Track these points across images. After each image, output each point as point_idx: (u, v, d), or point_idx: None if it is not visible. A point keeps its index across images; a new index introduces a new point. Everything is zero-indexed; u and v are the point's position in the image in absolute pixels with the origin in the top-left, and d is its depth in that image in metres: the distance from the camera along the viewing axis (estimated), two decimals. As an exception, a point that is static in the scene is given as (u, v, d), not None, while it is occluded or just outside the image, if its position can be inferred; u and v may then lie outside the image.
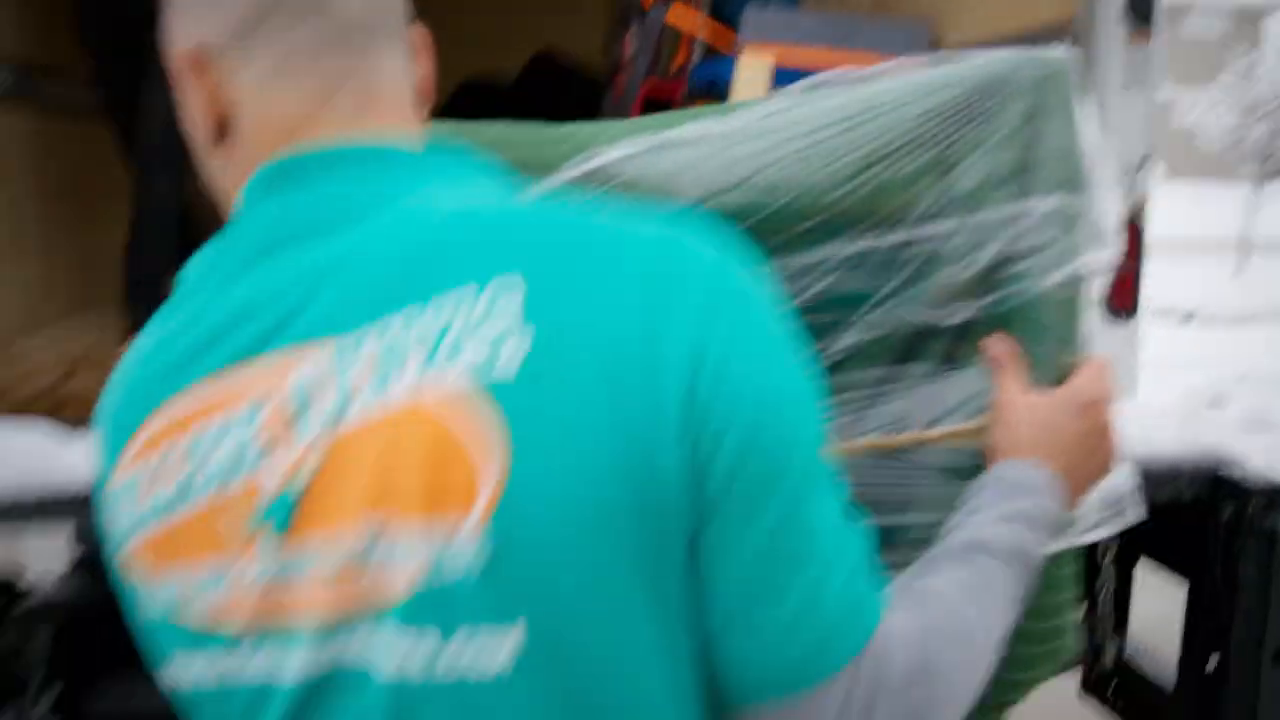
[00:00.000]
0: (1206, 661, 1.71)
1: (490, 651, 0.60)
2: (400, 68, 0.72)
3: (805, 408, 0.65)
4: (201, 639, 0.65)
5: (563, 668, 0.61)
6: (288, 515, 0.62)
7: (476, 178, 0.70)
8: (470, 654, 0.60)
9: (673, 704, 0.64)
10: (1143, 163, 1.95)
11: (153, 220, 2.16)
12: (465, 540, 0.59)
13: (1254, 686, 1.63)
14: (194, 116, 0.71)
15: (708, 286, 0.62)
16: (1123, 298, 1.99)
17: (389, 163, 0.68)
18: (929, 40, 2.66)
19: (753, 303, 0.64)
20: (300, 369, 0.63)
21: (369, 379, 0.61)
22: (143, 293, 2.08)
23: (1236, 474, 1.64)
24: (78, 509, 1.41)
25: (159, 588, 0.66)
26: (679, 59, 3.05)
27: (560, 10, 3.70)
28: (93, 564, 1.58)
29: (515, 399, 0.59)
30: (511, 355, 0.59)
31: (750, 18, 2.60)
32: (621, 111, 2.79)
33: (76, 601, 1.57)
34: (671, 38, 3.05)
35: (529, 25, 3.57)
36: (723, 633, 0.64)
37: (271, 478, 0.62)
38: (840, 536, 0.66)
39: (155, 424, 0.65)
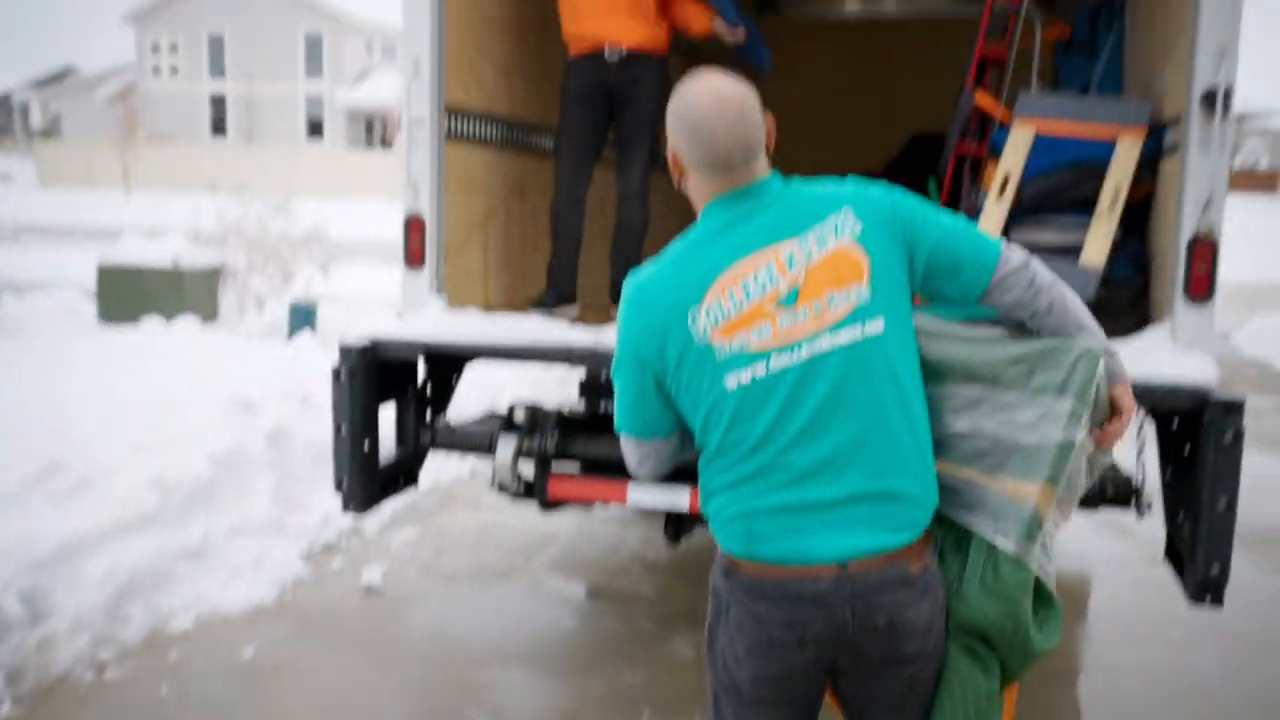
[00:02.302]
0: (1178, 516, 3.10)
1: (878, 324, 1.86)
2: (761, 149, 1.93)
3: (928, 212, 1.96)
4: (753, 359, 1.85)
5: (897, 319, 1.89)
6: (794, 298, 1.86)
7: (796, 181, 1.96)
8: (873, 328, 1.86)
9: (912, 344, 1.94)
10: (1209, 201, 3.23)
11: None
12: (865, 287, 1.86)
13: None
14: (674, 169, 1.99)
15: (890, 193, 1.96)
16: (1199, 290, 3.17)
17: (775, 182, 1.94)
18: (1151, 113, 3.89)
19: (902, 195, 1.97)
20: (784, 248, 1.87)
21: (816, 245, 1.87)
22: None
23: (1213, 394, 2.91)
24: (584, 357, 3.48)
25: (730, 343, 1.86)
26: (986, 129, 4.79)
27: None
28: (589, 386, 4.11)
29: (864, 237, 1.88)
30: (855, 224, 1.88)
31: (1020, 100, 4.08)
32: (944, 164, 5.02)
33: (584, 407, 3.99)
34: (978, 114, 4.83)
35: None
36: (951, 269, 1.94)
37: (784, 285, 1.86)
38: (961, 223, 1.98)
39: (720, 281, 1.87)
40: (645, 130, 4.32)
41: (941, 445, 2.00)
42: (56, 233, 22.48)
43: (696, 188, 1.97)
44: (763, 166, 1.95)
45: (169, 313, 9.35)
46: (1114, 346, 2.02)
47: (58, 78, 56.91)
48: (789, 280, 1.85)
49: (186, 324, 8.85)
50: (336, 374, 3.47)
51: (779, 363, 1.85)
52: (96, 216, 27.61)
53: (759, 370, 1.85)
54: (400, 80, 3.93)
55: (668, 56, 4.42)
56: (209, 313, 9.97)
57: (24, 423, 5.29)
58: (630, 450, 2.12)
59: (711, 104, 1.90)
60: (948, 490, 1.99)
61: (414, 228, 3.85)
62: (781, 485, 1.86)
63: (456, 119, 4.06)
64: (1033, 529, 1.91)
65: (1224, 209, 3.21)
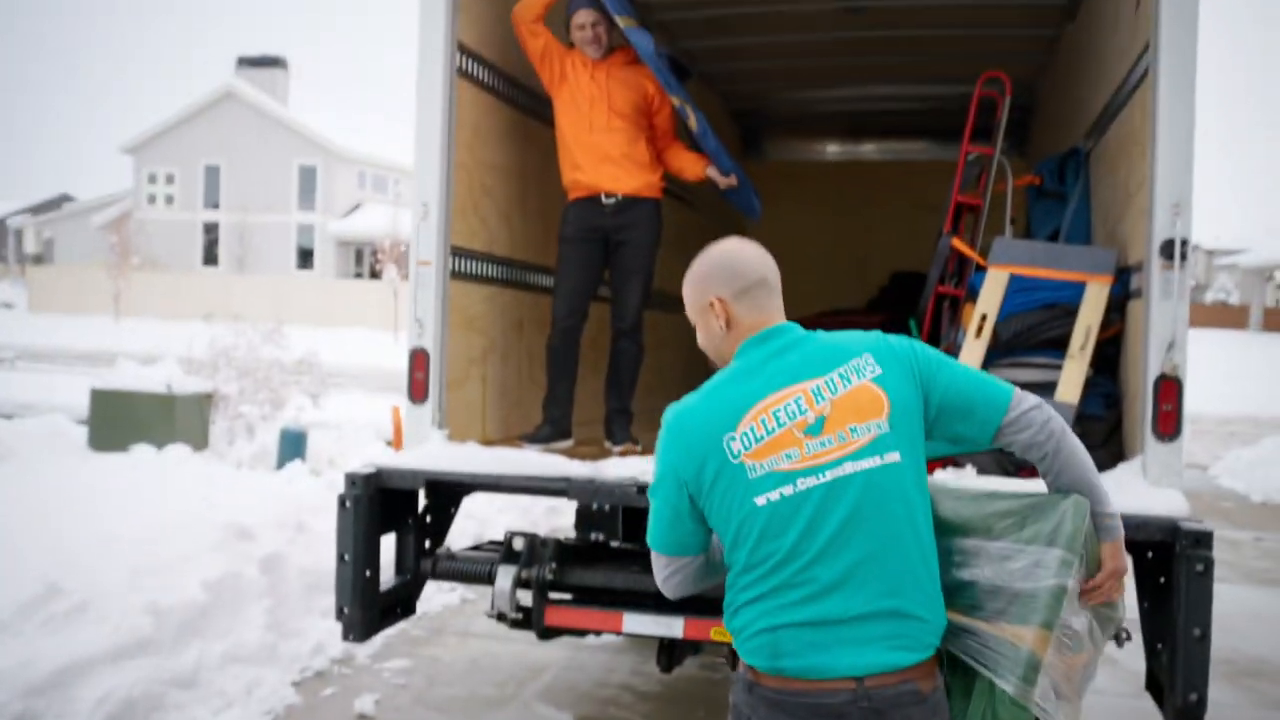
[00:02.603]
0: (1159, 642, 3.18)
1: (895, 455, 2.08)
2: (779, 290, 2.27)
3: (944, 360, 2.21)
4: (781, 479, 2.07)
5: (912, 455, 2.12)
6: (820, 427, 2.09)
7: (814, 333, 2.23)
8: (890, 458, 2.08)
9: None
10: (1173, 343, 3.39)
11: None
12: (884, 422, 2.09)
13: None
14: (713, 323, 2.24)
15: (911, 342, 2.22)
16: (1167, 427, 3.29)
17: (796, 329, 2.22)
18: (1115, 263, 4.07)
19: (920, 345, 2.21)
20: (811, 384, 2.12)
21: (841, 382, 2.12)
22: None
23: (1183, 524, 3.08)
24: (582, 489, 3.65)
25: (761, 465, 2.09)
26: (964, 271, 4.97)
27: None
28: (584, 517, 3.82)
29: (884, 379, 2.12)
30: (875, 368, 2.13)
31: (995, 246, 4.30)
32: (924, 304, 5.20)
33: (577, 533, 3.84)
34: (956, 256, 5.00)
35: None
36: (964, 410, 2.18)
37: (811, 416, 2.10)
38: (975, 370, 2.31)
39: (753, 411, 2.11)
40: (640, 269, 4.54)
41: (947, 594, 2.17)
42: (44, 357, 22.60)
43: (738, 327, 2.25)
44: (783, 311, 2.27)
45: (160, 440, 9.40)
46: (1114, 507, 2.23)
47: (53, 204, 57.89)
48: (816, 411, 2.10)
49: (177, 451, 8.92)
50: (342, 501, 3.59)
51: (805, 483, 2.07)
52: (85, 342, 27.79)
53: (787, 489, 2.07)
54: (410, 222, 4.15)
55: (661, 199, 4.68)
56: (199, 441, 10.02)
57: (20, 547, 5.34)
58: (660, 566, 2.30)
59: (735, 242, 2.31)
60: (954, 634, 2.16)
61: (418, 363, 4.02)
62: (804, 601, 2.04)
63: (459, 259, 4.28)
64: (1030, 672, 2.06)
65: (1187, 349, 3.42)
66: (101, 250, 40.18)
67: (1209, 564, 2.98)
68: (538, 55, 4.52)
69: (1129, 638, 3.34)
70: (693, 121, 4.48)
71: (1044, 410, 2.18)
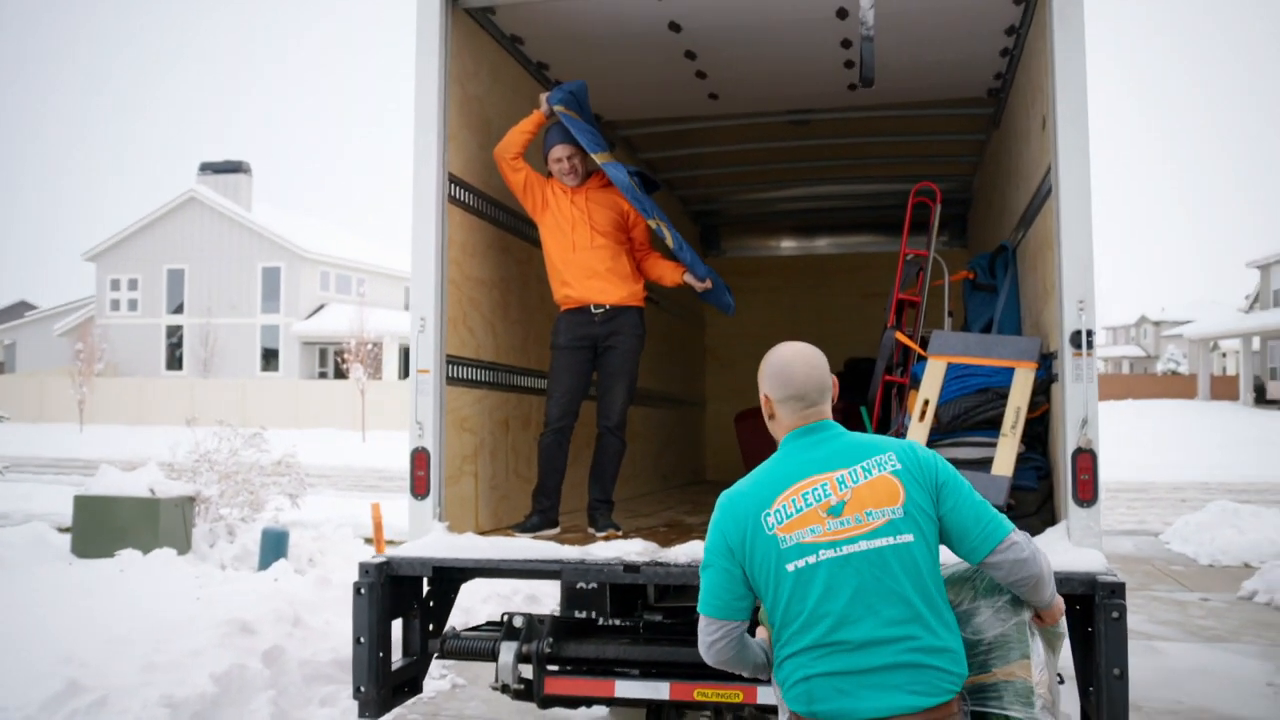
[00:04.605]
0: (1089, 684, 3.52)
1: (908, 537, 2.54)
2: (828, 395, 2.73)
3: (960, 484, 2.66)
4: (805, 550, 2.54)
5: (923, 537, 2.57)
6: (840, 509, 2.56)
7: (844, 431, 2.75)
8: (903, 539, 2.54)
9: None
10: (1085, 420, 3.87)
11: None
12: (899, 509, 2.55)
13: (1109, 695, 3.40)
14: (765, 409, 2.77)
15: (937, 458, 2.70)
16: (1085, 494, 3.76)
17: (834, 426, 2.70)
18: (1039, 350, 4.60)
19: (944, 462, 2.69)
20: (837, 473, 2.60)
21: (863, 473, 2.59)
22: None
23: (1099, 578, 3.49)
24: (574, 570, 4.05)
25: (789, 537, 2.55)
26: (907, 361, 5.43)
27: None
28: (571, 597, 4.21)
29: (902, 474, 2.59)
30: (896, 464, 2.60)
31: (934, 339, 4.84)
32: (872, 393, 5.62)
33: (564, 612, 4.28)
34: (900, 349, 5.52)
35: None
36: (960, 534, 2.63)
37: (834, 499, 2.57)
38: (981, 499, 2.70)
39: (786, 493, 2.60)
40: (626, 372, 5.01)
41: None
42: (13, 465, 22.57)
43: (779, 422, 2.73)
44: (828, 410, 2.73)
45: (144, 544, 9.60)
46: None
47: (14, 311, 57.81)
48: (838, 496, 2.57)
49: (163, 554, 9.17)
50: (357, 589, 3.95)
51: (824, 555, 2.53)
52: (51, 450, 27.75)
53: (810, 559, 2.53)
54: (409, 335, 4.59)
55: (644, 307, 5.16)
56: (182, 544, 10.22)
57: (29, 648, 5.62)
58: (709, 632, 2.66)
59: (793, 353, 2.74)
60: (968, 695, 2.68)
61: (419, 462, 4.43)
62: (831, 655, 2.50)
63: (452, 366, 4.72)
64: (1029, 696, 2.66)
65: (1099, 425, 3.91)
66: (64, 357, 40.22)
67: (1122, 611, 3.42)
68: (520, 187, 5.03)
69: (1063, 681, 3.77)
70: (669, 239, 4.95)
71: (1032, 564, 2.66)
